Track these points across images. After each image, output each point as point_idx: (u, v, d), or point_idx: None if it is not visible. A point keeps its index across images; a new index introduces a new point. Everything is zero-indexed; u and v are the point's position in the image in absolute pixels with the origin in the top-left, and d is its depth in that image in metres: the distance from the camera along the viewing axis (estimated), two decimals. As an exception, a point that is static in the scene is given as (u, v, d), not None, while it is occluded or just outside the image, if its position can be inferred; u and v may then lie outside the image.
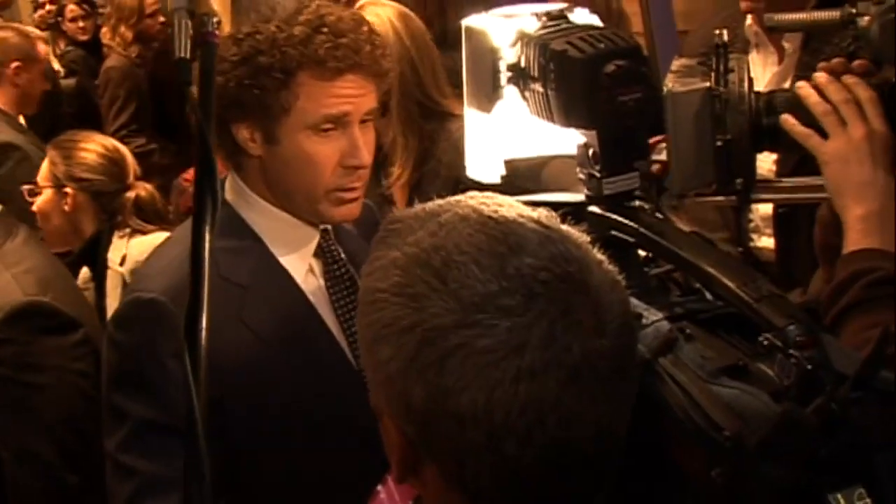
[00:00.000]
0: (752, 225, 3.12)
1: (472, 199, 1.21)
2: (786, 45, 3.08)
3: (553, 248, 1.14)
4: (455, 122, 3.14)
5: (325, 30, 1.98)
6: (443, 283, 1.11)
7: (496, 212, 1.18)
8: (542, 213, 1.21)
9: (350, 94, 2.02)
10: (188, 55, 1.47)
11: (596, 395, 1.12)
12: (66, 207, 3.73)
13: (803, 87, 1.71)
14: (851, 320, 1.61)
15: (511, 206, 1.20)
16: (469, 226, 1.15)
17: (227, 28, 1.53)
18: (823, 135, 1.68)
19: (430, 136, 3.16)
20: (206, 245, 1.38)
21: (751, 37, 3.17)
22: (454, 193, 1.27)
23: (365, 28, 2.05)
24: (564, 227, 1.21)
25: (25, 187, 3.69)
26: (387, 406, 1.18)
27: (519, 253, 1.13)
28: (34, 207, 3.76)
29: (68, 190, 3.72)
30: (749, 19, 3.16)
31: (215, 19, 1.50)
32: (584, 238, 1.21)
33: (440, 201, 1.23)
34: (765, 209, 3.00)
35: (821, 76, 1.71)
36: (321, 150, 2.02)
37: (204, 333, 1.33)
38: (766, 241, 3.12)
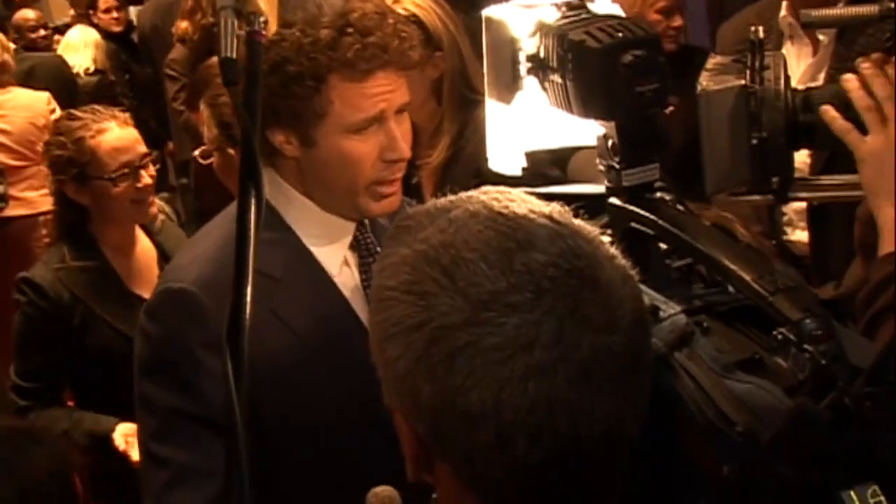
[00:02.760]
0: (785, 218, 3.09)
1: (484, 194, 1.20)
2: (821, 36, 3.04)
3: (563, 244, 1.13)
4: (481, 110, 3.14)
5: (351, 30, 1.95)
6: (451, 281, 1.10)
7: (507, 207, 1.16)
8: (554, 208, 1.19)
9: (383, 92, 2.00)
10: (234, 55, 1.46)
11: (606, 393, 1.10)
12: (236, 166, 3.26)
13: (850, 80, 1.67)
14: (887, 323, 1.59)
15: (523, 202, 1.19)
16: (479, 222, 1.14)
17: (273, 27, 1.52)
18: (863, 131, 1.65)
19: (464, 121, 3.18)
20: (251, 248, 1.38)
21: (785, 28, 3.13)
22: (472, 183, 1.26)
23: (391, 21, 2.02)
24: (577, 221, 1.19)
25: (197, 152, 3.38)
26: (398, 404, 1.17)
27: (527, 249, 1.11)
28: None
29: (231, 151, 3.17)
30: (783, 10, 3.12)
31: (262, 18, 1.49)
32: (597, 232, 1.19)
33: (452, 197, 1.22)
34: (799, 202, 2.97)
35: (868, 69, 1.67)
36: (360, 149, 2.01)
37: (247, 336, 1.34)
38: (801, 235, 3.09)
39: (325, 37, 1.95)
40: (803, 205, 2.96)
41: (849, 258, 2.62)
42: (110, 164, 3.24)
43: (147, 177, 3.30)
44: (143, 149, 3.34)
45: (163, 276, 2.09)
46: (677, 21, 4.21)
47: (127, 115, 3.42)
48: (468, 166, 3.09)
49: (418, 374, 1.11)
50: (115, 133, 3.29)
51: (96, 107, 3.45)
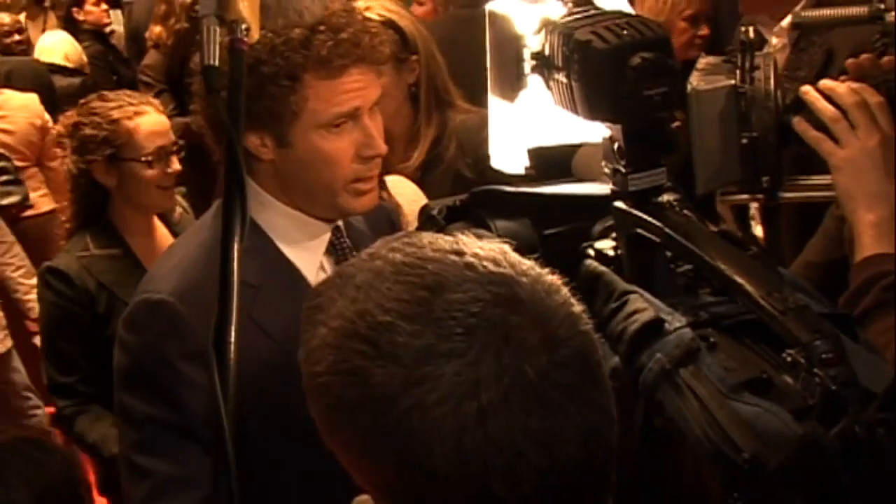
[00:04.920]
0: (751, 213, 3.10)
1: (383, 248, 1.16)
2: (774, 39, 3.01)
3: (475, 274, 1.09)
4: (455, 113, 3.18)
5: (323, 28, 1.93)
6: (376, 349, 1.07)
7: (409, 255, 1.13)
8: (458, 238, 1.16)
9: (357, 88, 1.97)
10: (216, 62, 1.43)
11: (567, 409, 1.07)
12: None
13: (809, 93, 1.68)
14: (872, 323, 1.60)
15: (423, 245, 1.14)
16: (385, 280, 1.11)
17: (255, 34, 1.50)
18: (835, 139, 1.66)
19: (441, 125, 3.19)
20: (236, 257, 1.34)
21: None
22: (455, 186, 1.21)
23: (359, 18, 2.01)
24: (480, 244, 1.15)
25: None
26: (367, 485, 1.14)
27: (442, 292, 1.08)
28: None
29: None
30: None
31: (244, 26, 1.46)
32: (502, 247, 1.15)
33: (352, 260, 1.19)
34: None
35: (826, 82, 1.68)
36: (337, 146, 1.99)
37: (233, 348, 1.31)
38: (760, 230, 3.10)
39: (298, 36, 1.92)
40: (759, 202, 2.97)
41: (795, 254, 2.67)
42: (147, 146, 3.23)
43: (177, 162, 3.31)
44: (173, 136, 3.35)
45: (140, 286, 2.07)
46: (704, 30, 4.16)
47: (158, 101, 3.45)
48: (447, 172, 3.09)
49: (375, 451, 1.08)
50: (153, 117, 3.30)
51: (128, 91, 3.45)
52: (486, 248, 1.13)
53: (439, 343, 1.05)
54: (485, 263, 1.10)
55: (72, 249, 3.30)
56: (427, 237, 1.16)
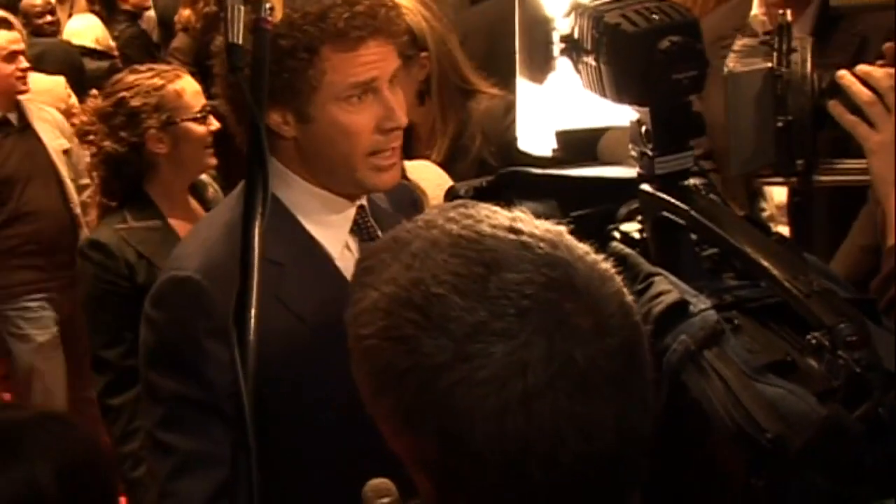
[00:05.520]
0: (766, 214, 3.07)
1: (440, 217, 1.16)
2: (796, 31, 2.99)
3: (532, 255, 1.09)
4: (477, 100, 3.17)
5: (339, 1, 1.95)
6: (428, 320, 1.07)
7: (466, 228, 1.12)
8: (515, 216, 1.15)
9: (374, 60, 1.98)
10: (240, 41, 1.44)
11: (610, 398, 1.07)
12: None
13: (845, 77, 1.68)
14: None
15: (481, 218, 1.14)
16: (441, 251, 1.11)
17: (279, 14, 1.51)
18: (871, 123, 1.66)
19: (462, 119, 3.18)
20: (257, 236, 1.35)
21: (757, 26, 3.07)
22: (480, 175, 1.22)
23: None
24: (539, 223, 1.15)
25: None
26: (405, 456, 1.14)
27: (498, 270, 1.08)
28: None
29: None
30: (755, 7, 3.07)
31: (268, 5, 1.47)
32: (559, 230, 1.15)
33: (408, 225, 1.18)
34: (779, 198, 2.97)
35: (862, 66, 1.68)
36: (357, 119, 2.00)
37: (253, 323, 1.32)
38: (782, 230, 3.07)
39: (315, 10, 1.93)
40: (784, 200, 2.94)
41: (829, 253, 2.65)
42: (195, 104, 3.35)
43: (215, 120, 3.37)
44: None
45: (167, 264, 2.10)
46: None
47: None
48: (473, 161, 3.09)
49: (417, 422, 1.08)
50: (189, 79, 3.43)
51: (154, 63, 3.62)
52: (543, 229, 1.13)
53: (492, 321, 1.05)
54: (541, 245, 1.10)
55: (110, 222, 3.35)
56: (485, 210, 1.16)
